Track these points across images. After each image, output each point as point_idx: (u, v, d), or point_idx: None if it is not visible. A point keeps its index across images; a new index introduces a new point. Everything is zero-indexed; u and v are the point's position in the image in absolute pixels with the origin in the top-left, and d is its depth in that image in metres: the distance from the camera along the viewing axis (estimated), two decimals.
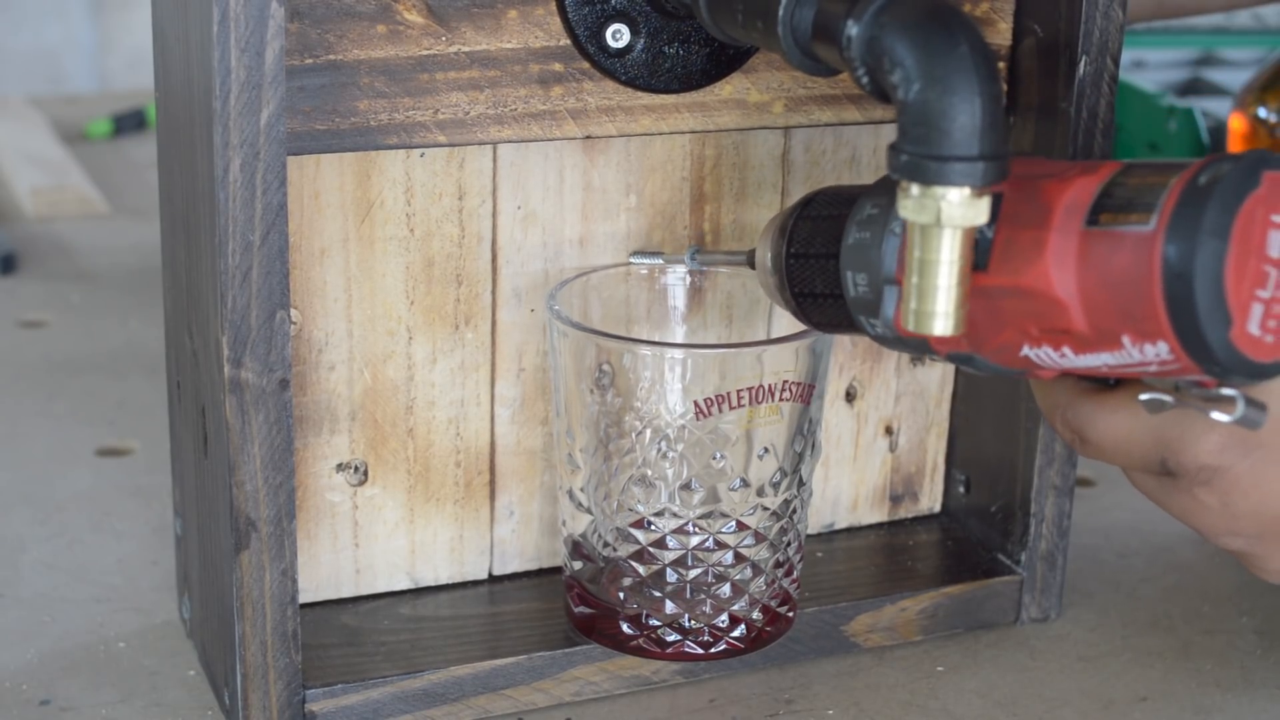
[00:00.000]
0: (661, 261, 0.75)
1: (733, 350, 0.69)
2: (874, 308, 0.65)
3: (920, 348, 0.65)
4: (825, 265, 0.67)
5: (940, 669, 0.76)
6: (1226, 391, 0.60)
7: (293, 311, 0.71)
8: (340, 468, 0.73)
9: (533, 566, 0.78)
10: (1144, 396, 0.63)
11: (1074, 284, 0.59)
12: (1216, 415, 0.61)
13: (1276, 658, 0.78)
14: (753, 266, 0.71)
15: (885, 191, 0.65)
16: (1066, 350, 0.61)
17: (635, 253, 0.75)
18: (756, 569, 0.71)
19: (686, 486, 0.69)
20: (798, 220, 0.68)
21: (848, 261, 0.65)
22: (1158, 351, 0.58)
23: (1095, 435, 0.66)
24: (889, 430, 0.82)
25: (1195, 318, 0.56)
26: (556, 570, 0.78)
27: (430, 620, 0.74)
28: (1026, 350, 0.61)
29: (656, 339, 0.75)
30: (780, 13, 0.61)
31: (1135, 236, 0.57)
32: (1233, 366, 0.58)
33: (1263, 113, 1.09)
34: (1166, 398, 0.62)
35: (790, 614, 0.73)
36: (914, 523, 0.84)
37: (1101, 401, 0.66)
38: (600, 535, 0.71)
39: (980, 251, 0.61)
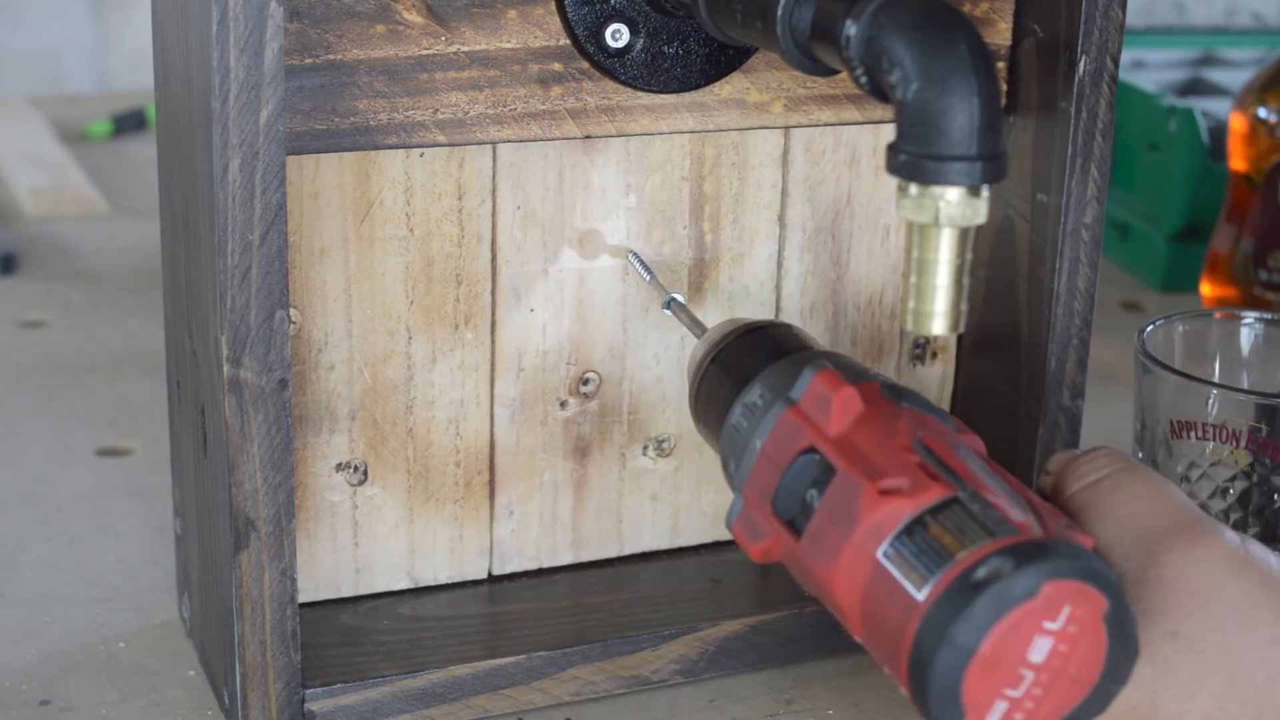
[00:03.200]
0: (648, 279, 0.75)
1: None
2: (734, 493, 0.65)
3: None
4: (718, 416, 0.67)
5: None
6: None
7: (292, 311, 0.71)
8: (340, 467, 0.73)
9: (532, 566, 0.78)
10: None
11: (857, 602, 0.59)
12: None
13: None
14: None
15: (775, 382, 0.64)
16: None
17: (634, 254, 0.75)
18: None
19: None
20: (730, 345, 0.69)
21: (725, 438, 0.66)
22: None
23: None
24: None
25: (926, 704, 0.55)
26: (556, 570, 0.78)
27: (430, 620, 0.74)
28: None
29: None
30: (779, 12, 0.61)
31: (905, 598, 0.56)
32: None
33: (1263, 113, 1.09)
34: None
35: None
36: None
37: None
38: None
39: (801, 517, 0.61)
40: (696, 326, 0.72)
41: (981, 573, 0.55)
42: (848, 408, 0.62)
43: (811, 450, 0.61)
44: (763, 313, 0.78)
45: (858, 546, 0.58)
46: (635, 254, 0.75)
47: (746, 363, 0.67)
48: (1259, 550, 0.60)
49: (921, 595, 0.56)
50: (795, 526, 0.61)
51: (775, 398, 0.64)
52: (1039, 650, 0.55)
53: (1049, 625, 0.55)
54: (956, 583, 0.55)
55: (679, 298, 0.74)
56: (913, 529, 0.57)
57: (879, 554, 0.58)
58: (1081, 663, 0.55)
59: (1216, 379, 0.79)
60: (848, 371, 0.64)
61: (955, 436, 0.62)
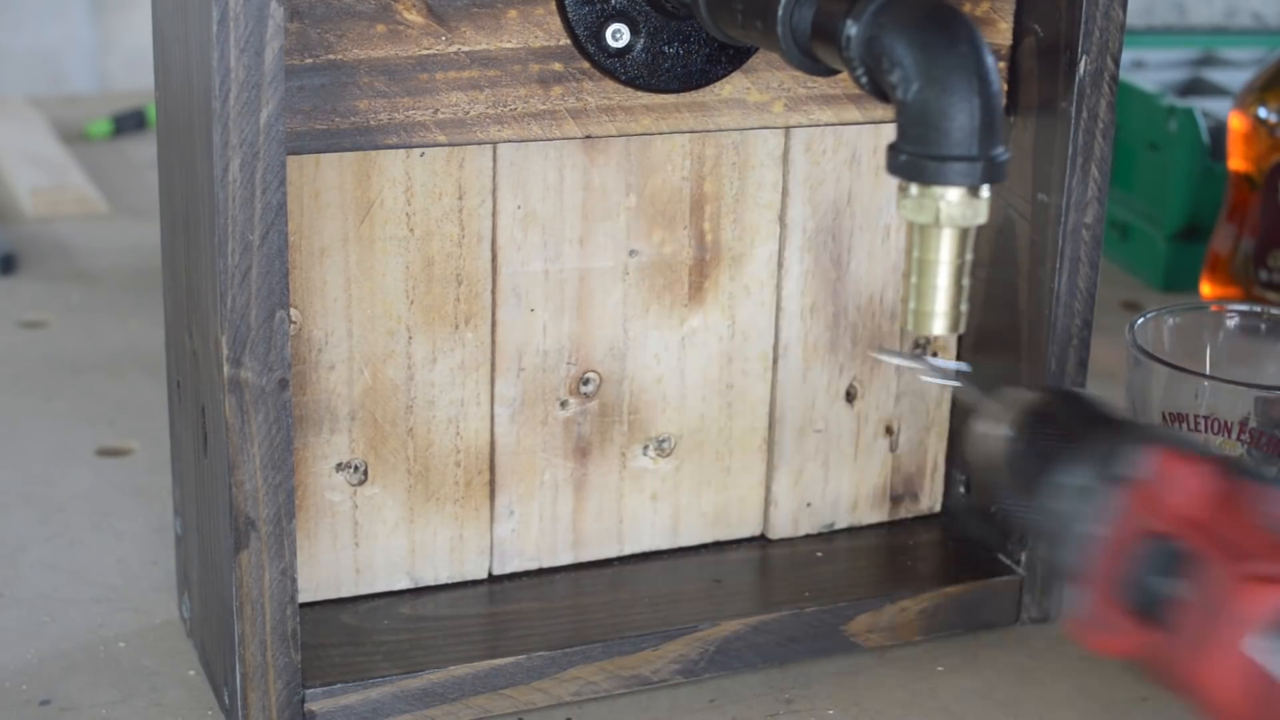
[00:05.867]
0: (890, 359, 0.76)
1: None
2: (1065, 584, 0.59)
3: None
4: (1032, 495, 0.61)
5: (940, 669, 0.76)
6: None
7: (292, 311, 0.71)
8: (340, 467, 0.73)
9: (532, 566, 0.78)
10: None
11: (1237, 698, 0.53)
12: None
13: None
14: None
15: (1101, 459, 0.59)
16: None
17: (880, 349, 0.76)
18: None
19: None
20: (1031, 419, 0.63)
21: (1045, 520, 0.60)
22: None
23: None
24: (889, 430, 0.82)
25: None
26: (556, 570, 0.78)
27: (430, 620, 0.74)
28: None
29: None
30: (780, 12, 0.61)
31: None
32: None
33: (1263, 113, 1.09)
34: None
35: None
36: (914, 523, 0.84)
37: None
38: None
39: (1156, 608, 0.56)
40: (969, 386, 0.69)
41: None
42: (1195, 486, 0.57)
43: (1158, 534, 0.56)
44: (763, 313, 0.78)
45: (1231, 641, 0.53)
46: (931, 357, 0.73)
47: (1056, 440, 0.62)
48: None
49: None
50: (1152, 618, 0.56)
51: (1107, 477, 0.59)
52: None
53: None
54: None
55: (965, 366, 0.72)
56: None
57: (1254, 646, 0.53)
58: None
59: (1207, 372, 0.79)
60: (1183, 447, 0.59)
61: None
